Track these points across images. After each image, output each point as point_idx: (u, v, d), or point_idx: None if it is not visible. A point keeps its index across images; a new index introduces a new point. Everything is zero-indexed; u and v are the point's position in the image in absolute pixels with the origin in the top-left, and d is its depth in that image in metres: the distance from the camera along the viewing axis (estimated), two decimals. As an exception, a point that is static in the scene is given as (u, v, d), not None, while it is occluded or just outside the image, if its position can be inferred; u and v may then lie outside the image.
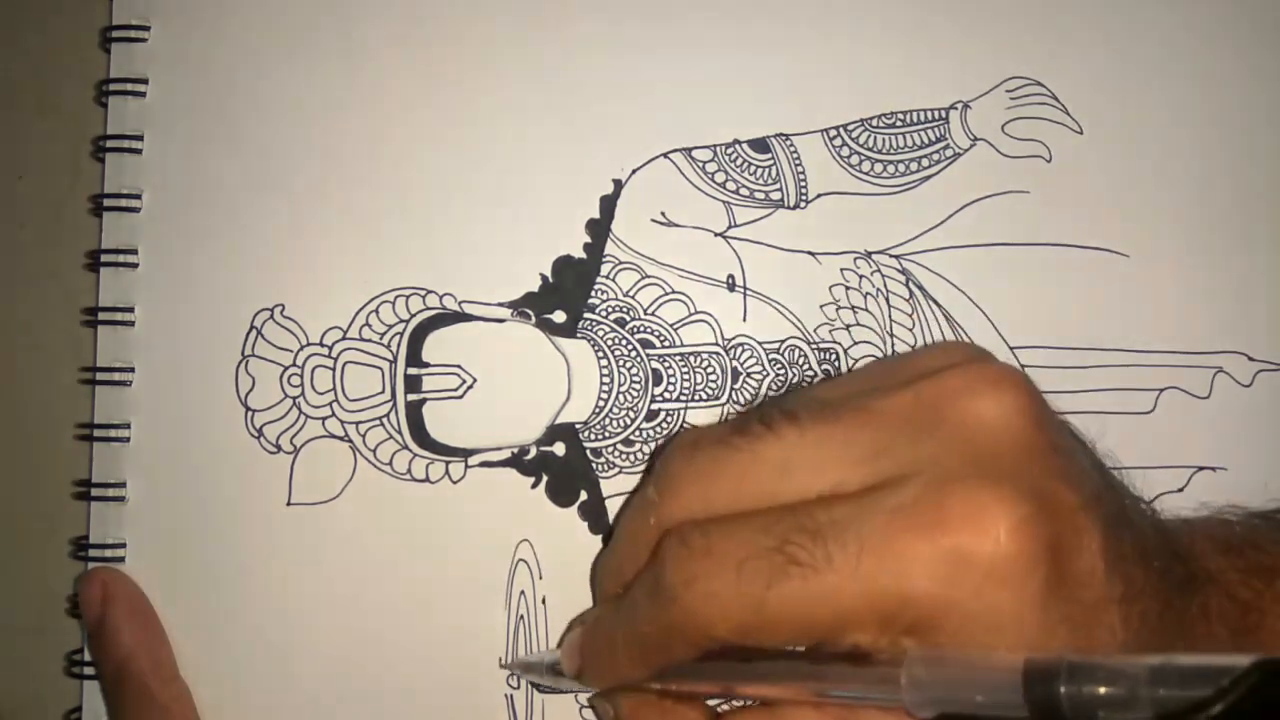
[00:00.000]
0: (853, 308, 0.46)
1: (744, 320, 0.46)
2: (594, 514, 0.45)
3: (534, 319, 0.46)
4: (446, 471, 0.45)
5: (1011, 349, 0.46)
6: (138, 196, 0.46)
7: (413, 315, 0.45)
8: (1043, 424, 0.35)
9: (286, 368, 0.45)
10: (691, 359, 0.46)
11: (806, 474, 0.35)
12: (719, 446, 0.36)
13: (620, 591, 0.39)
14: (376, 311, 0.45)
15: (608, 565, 0.41)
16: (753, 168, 0.46)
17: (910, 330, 0.46)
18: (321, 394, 0.45)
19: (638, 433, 0.45)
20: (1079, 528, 0.33)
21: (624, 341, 0.46)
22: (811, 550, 0.33)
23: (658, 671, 0.37)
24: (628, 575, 0.38)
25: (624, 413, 0.46)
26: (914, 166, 0.47)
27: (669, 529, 0.36)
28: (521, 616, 0.45)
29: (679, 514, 0.36)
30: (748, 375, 0.46)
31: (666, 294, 0.46)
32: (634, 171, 0.46)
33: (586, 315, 0.46)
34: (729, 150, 0.46)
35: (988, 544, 0.32)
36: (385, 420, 0.45)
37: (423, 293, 0.46)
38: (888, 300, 0.46)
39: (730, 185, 0.46)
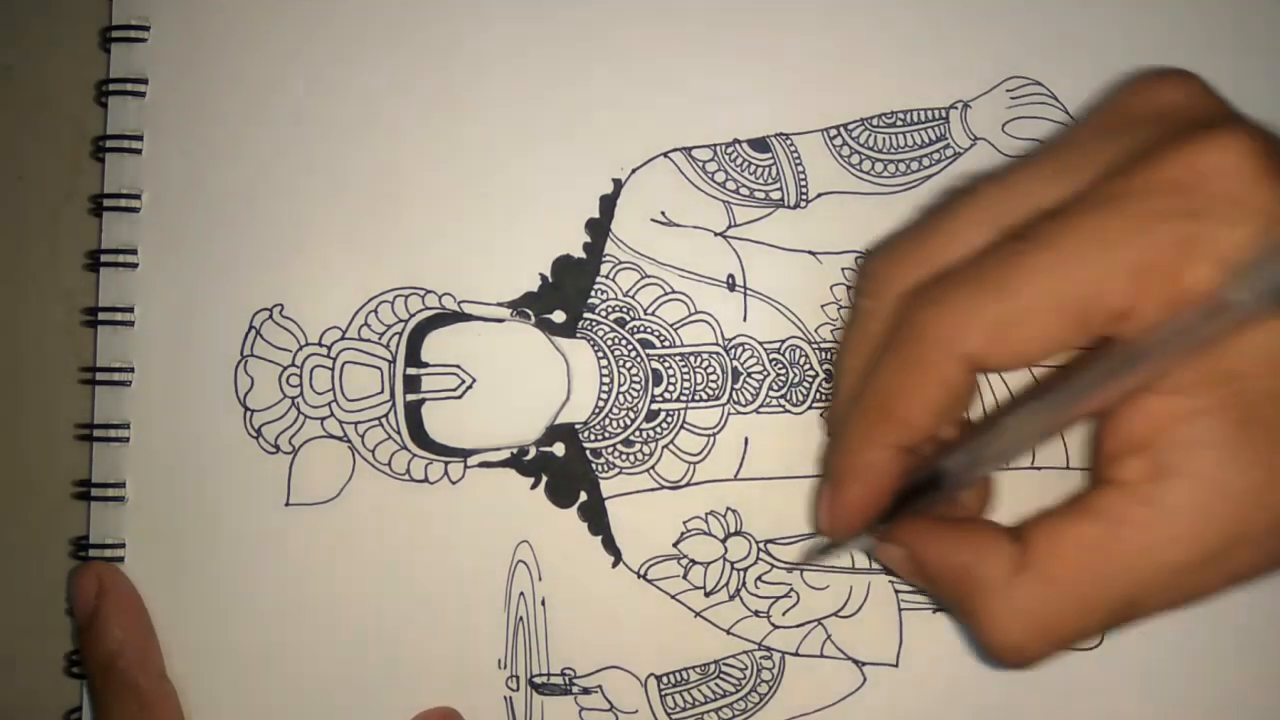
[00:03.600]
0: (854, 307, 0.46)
1: (744, 320, 0.46)
2: (593, 515, 0.45)
3: (533, 319, 0.46)
4: (445, 472, 0.45)
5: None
6: (137, 196, 0.46)
7: (412, 315, 0.45)
8: (1220, 97, 0.36)
9: (285, 368, 0.45)
10: (692, 359, 0.46)
11: (1017, 215, 0.35)
12: (920, 230, 0.37)
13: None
14: (375, 311, 0.45)
15: (836, 401, 0.40)
16: (753, 167, 0.46)
17: (911, 330, 0.46)
18: (320, 394, 0.45)
19: (637, 433, 0.45)
20: None
21: (624, 341, 0.46)
22: (1046, 228, 0.33)
23: (902, 451, 0.36)
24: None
25: (624, 413, 0.45)
26: (915, 166, 0.47)
27: (902, 296, 0.36)
28: (521, 618, 0.45)
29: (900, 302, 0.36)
30: (748, 375, 0.46)
31: (666, 294, 0.46)
32: (634, 171, 0.46)
33: (586, 315, 0.46)
34: (729, 149, 0.46)
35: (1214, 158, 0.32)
36: (384, 420, 0.45)
37: (422, 293, 0.46)
38: (889, 300, 0.46)
39: (730, 185, 0.46)
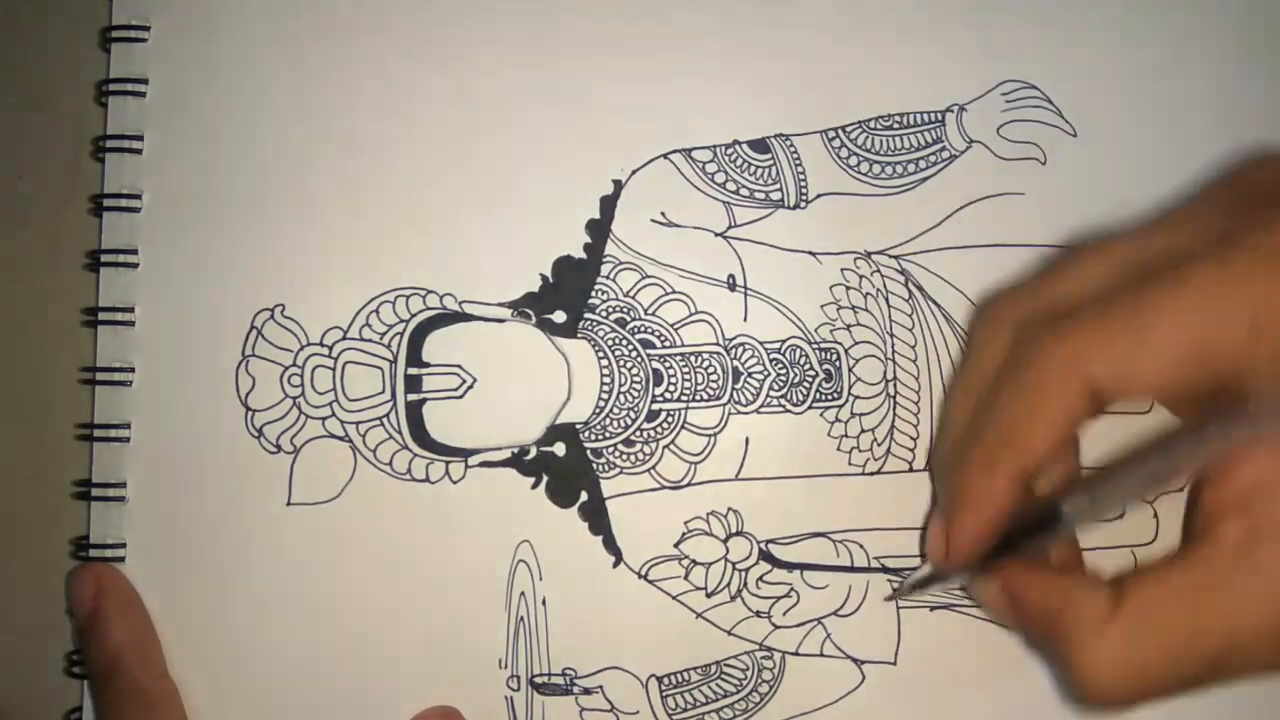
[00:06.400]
0: (853, 307, 0.46)
1: (745, 320, 0.46)
2: (594, 514, 0.45)
3: (534, 319, 0.46)
4: (446, 471, 0.45)
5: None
6: (138, 196, 0.46)
7: (413, 315, 0.46)
8: None
9: (287, 368, 0.45)
10: (692, 359, 0.46)
11: (1133, 260, 0.36)
12: (1040, 276, 0.38)
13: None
14: (377, 311, 0.46)
15: (944, 437, 0.41)
16: (752, 168, 0.46)
17: (910, 330, 0.46)
18: (322, 394, 0.45)
19: (638, 433, 0.46)
20: None
21: (624, 341, 0.46)
22: (1177, 267, 0.34)
23: (1020, 482, 0.37)
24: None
25: (625, 413, 0.46)
26: (911, 168, 0.47)
27: (1020, 324, 0.37)
28: (521, 618, 0.45)
29: None
30: (749, 375, 0.46)
31: (667, 294, 0.46)
32: (634, 172, 0.46)
33: (587, 315, 0.46)
34: (729, 150, 0.46)
35: None
36: (385, 420, 0.45)
37: (423, 293, 0.46)
38: (887, 300, 0.46)
39: (730, 185, 0.46)
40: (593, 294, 0.46)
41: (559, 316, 0.46)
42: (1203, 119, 0.47)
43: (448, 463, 0.45)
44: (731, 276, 0.46)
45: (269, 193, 0.46)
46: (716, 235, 0.46)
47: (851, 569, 0.45)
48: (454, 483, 0.45)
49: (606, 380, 0.46)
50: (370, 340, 0.45)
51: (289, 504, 0.45)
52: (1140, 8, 0.48)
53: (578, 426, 0.46)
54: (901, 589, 0.45)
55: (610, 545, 0.45)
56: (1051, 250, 0.46)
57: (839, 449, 0.46)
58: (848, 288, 0.46)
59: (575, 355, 0.46)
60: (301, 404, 0.45)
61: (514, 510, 0.45)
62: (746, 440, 0.46)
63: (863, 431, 0.46)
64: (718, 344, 0.46)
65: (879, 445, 0.46)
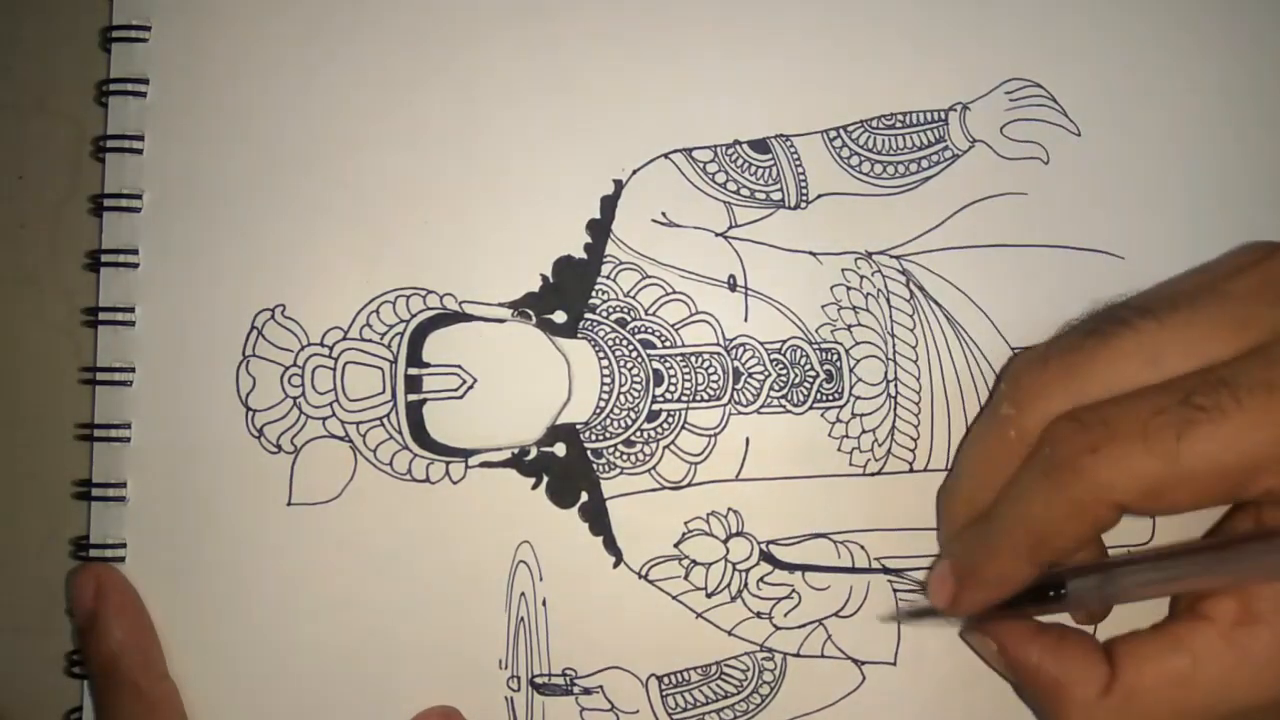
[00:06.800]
0: (854, 308, 0.46)
1: (745, 320, 0.46)
2: (595, 515, 0.45)
3: (534, 319, 0.46)
4: (446, 472, 0.45)
5: (1012, 349, 0.46)
6: (138, 196, 0.46)
7: (413, 315, 0.46)
8: None
9: (287, 368, 0.45)
10: (693, 359, 0.46)
11: (1175, 358, 0.36)
12: (1073, 352, 0.38)
13: (973, 519, 0.40)
14: (377, 312, 0.45)
15: (958, 492, 0.42)
16: (753, 168, 0.46)
17: (911, 330, 0.46)
18: (322, 394, 0.45)
19: (639, 433, 0.45)
20: None
21: (625, 342, 0.46)
22: (1219, 397, 0.34)
23: (1043, 568, 0.38)
24: (983, 500, 0.39)
25: (625, 413, 0.46)
26: (913, 168, 0.47)
27: (1056, 419, 0.37)
28: (522, 619, 0.45)
29: (1043, 420, 0.37)
30: (749, 375, 0.46)
31: (667, 294, 0.46)
32: (634, 172, 0.46)
33: (587, 315, 0.46)
34: (729, 150, 0.46)
35: None
36: (385, 420, 0.45)
37: (423, 293, 0.46)
38: (888, 300, 0.46)
39: (731, 185, 0.46)
40: (593, 294, 0.46)
41: (559, 316, 0.46)
42: (1206, 120, 0.47)
43: (448, 463, 0.45)
44: (732, 277, 0.46)
45: (269, 193, 0.46)
46: (717, 235, 0.46)
47: (852, 570, 0.45)
48: (454, 483, 0.45)
49: (607, 380, 0.46)
50: (370, 340, 0.45)
51: (289, 504, 0.45)
52: (1145, 7, 0.47)
53: (578, 427, 0.45)
54: (901, 615, 0.45)
55: (610, 545, 0.45)
56: (1053, 250, 0.46)
57: (840, 449, 0.46)
58: (848, 288, 0.46)
59: (575, 355, 0.46)
60: (302, 404, 0.45)
61: (514, 511, 0.45)
62: (747, 440, 0.46)
63: (863, 432, 0.46)
64: (718, 344, 0.46)
65: (880, 446, 0.46)
